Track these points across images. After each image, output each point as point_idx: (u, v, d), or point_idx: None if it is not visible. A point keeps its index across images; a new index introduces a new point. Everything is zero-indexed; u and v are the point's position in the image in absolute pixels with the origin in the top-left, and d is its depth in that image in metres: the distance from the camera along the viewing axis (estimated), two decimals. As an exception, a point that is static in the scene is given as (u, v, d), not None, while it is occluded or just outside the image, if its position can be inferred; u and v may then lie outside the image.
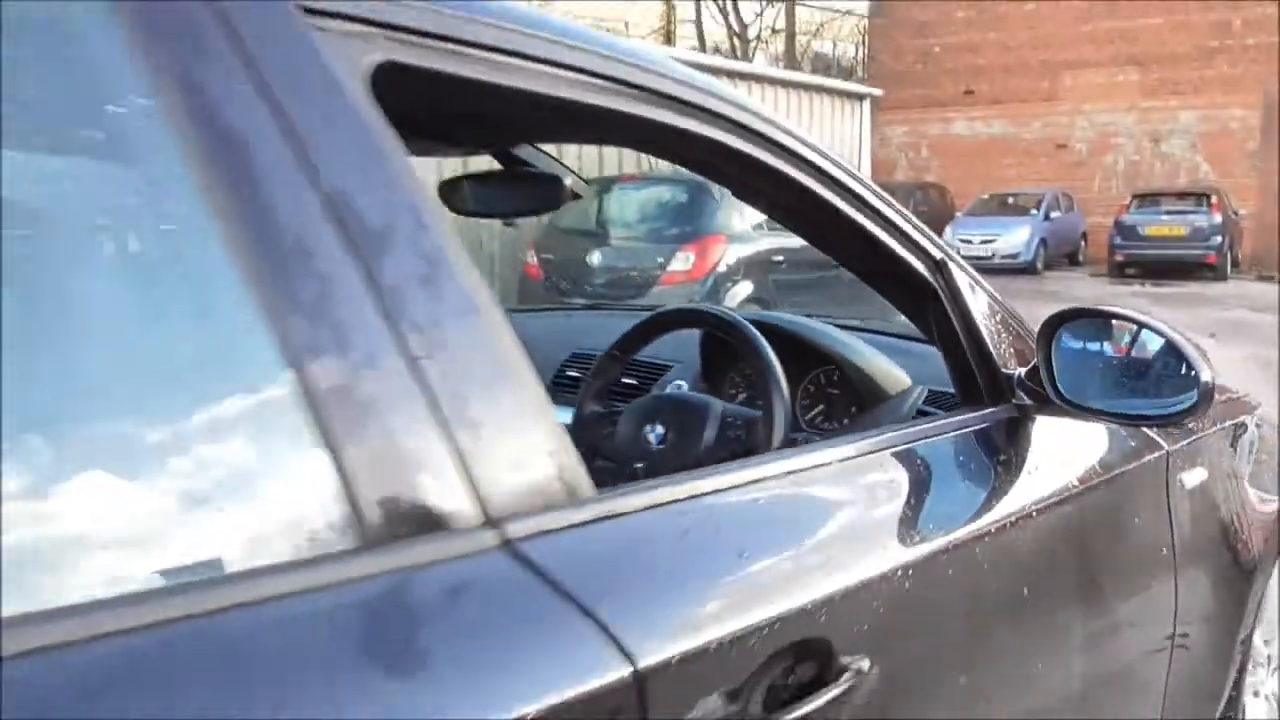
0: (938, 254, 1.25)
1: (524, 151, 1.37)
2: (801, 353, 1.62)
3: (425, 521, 0.65)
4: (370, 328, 0.66)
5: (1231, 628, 1.72)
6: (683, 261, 6.50)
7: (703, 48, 23.68)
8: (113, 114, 0.67)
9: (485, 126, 1.22)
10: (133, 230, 0.70)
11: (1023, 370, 1.28)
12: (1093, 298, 12.79)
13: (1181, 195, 16.93)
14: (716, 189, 5.92)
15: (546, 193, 1.41)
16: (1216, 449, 1.69)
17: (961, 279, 1.27)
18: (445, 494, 0.66)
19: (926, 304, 1.27)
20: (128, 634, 0.52)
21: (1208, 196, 16.29)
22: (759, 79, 10.44)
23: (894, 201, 1.21)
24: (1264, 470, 1.85)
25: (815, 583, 0.87)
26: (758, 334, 1.43)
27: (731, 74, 10.12)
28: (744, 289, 6.66)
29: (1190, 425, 1.49)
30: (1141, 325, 1.21)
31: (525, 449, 0.73)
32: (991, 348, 1.27)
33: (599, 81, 0.91)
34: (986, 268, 14.96)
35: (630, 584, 0.77)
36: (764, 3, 22.63)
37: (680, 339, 1.71)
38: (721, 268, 6.57)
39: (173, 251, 0.69)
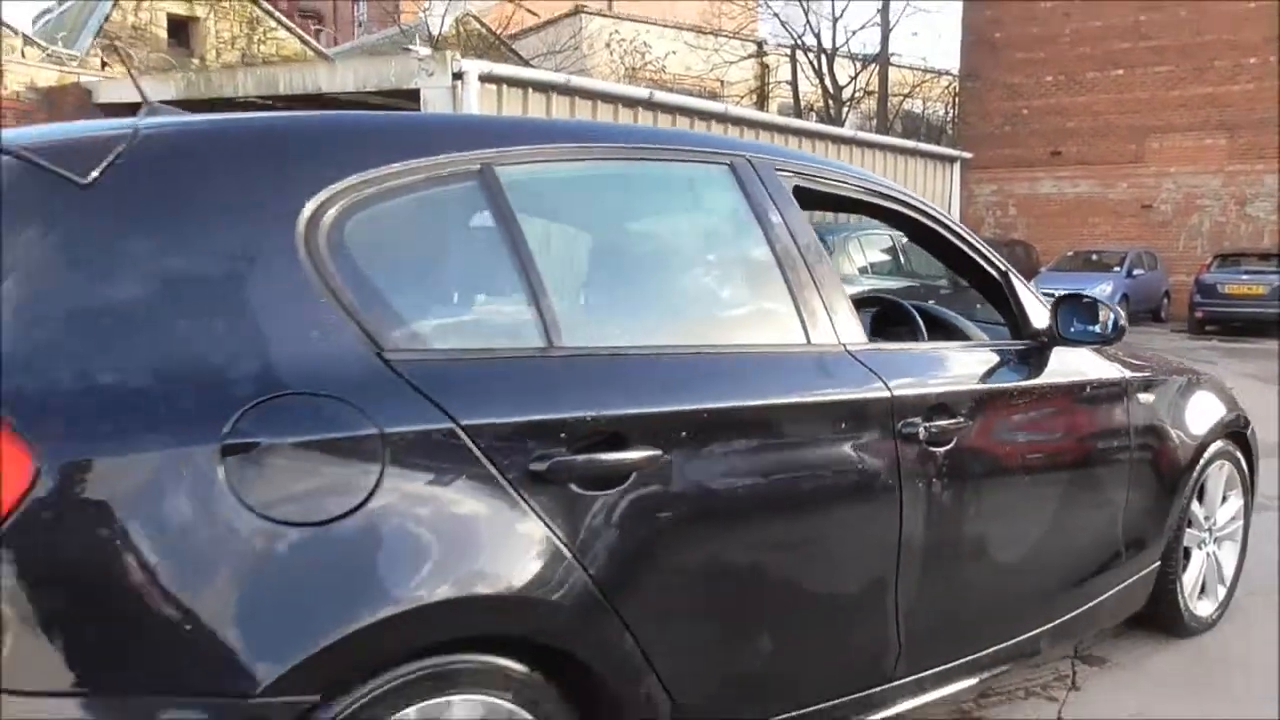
0: (1003, 267, 2.60)
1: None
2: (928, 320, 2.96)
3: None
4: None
5: (1167, 498, 2.97)
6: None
7: (797, 107, 25.09)
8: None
9: (829, 205, 2.64)
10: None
11: (1043, 324, 2.61)
12: (1168, 351, 13.74)
13: (1264, 256, 17.51)
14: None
15: None
16: (1163, 386, 2.98)
17: (1016, 282, 2.61)
18: (826, 334, 2.04)
19: (1000, 294, 2.62)
20: None
21: (1288, 257, 16.95)
22: (867, 145, 11.83)
23: (983, 244, 2.57)
24: (1202, 404, 3.13)
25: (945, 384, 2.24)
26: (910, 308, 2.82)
27: (844, 140, 11.51)
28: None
29: (1145, 365, 2.83)
30: (1096, 300, 2.54)
31: (845, 318, 2.10)
32: (1031, 314, 2.60)
33: (862, 190, 2.32)
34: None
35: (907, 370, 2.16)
36: (858, 65, 23.95)
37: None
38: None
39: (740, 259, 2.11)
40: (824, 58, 23.46)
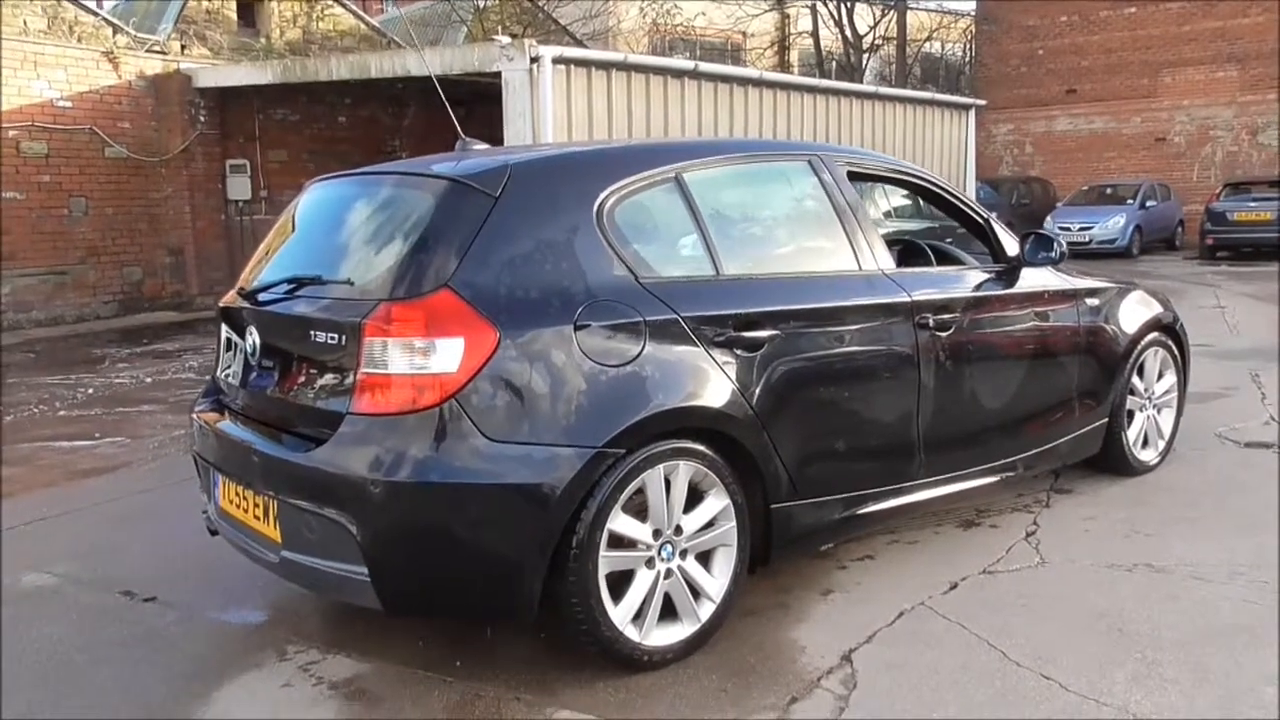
0: (985, 215, 3.83)
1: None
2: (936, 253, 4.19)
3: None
4: (838, 230, 3.31)
5: (1110, 373, 4.21)
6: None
7: (819, 55, 25.93)
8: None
9: (868, 180, 3.84)
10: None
11: (1014, 252, 3.85)
12: (1178, 275, 14.79)
13: (1272, 184, 18.14)
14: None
15: None
16: (1104, 293, 4.22)
17: (995, 224, 3.84)
18: (869, 263, 3.32)
19: (983, 232, 3.86)
20: None
21: (1296, 184, 17.74)
22: (888, 99, 12.89)
23: (970, 199, 3.80)
24: (1137, 305, 4.37)
25: (946, 293, 3.51)
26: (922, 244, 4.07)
27: (866, 95, 12.59)
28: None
29: (1091, 280, 4.08)
30: (1049, 235, 3.79)
31: (882, 253, 3.36)
32: (1006, 246, 3.84)
33: (888, 170, 3.58)
34: (1083, 252, 17.06)
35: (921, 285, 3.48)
36: (877, 13, 24.71)
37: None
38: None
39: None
40: (843, 7, 24.23)
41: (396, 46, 15.44)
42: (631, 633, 2.68)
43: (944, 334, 3.43)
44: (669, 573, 2.76)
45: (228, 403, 3.15)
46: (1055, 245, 3.83)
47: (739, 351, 2.87)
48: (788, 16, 28.29)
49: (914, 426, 3.37)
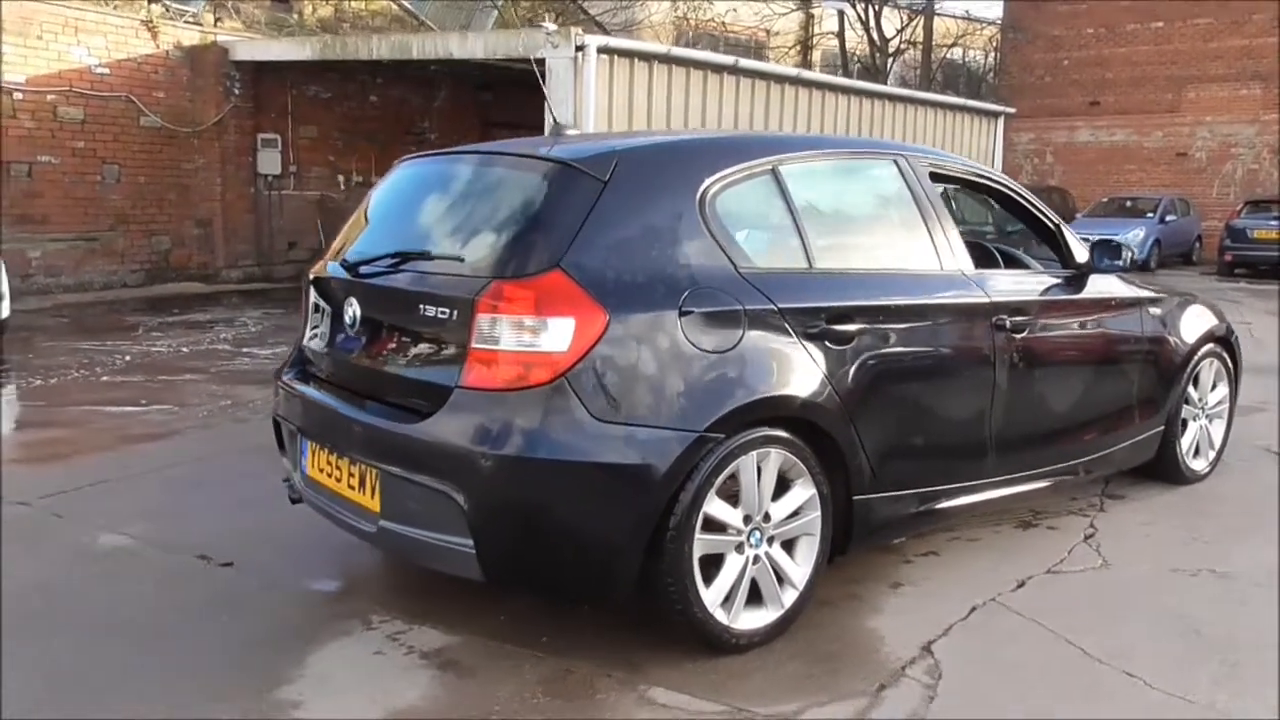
0: (1056, 220, 3.87)
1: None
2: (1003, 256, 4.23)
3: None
4: (921, 229, 3.34)
5: (1168, 381, 4.26)
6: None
7: (844, 57, 25.90)
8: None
9: (949, 183, 3.87)
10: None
11: (1083, 259, 3.88)
12: (1197, 290, 14.82)
13: (1293, 203, 18.40)
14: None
15: None
16: (1166, 303, 4.26)
17: (1065, 230, 3.88)
18: (950, 263, 3.35)
19: (1054, 238, 3.89)
20: None
21: (1317, 204, 17.77)
22: (920, 102, 12.92)
23: (1043, 205, 3.84)
24: (1196, 316, 4.42)
25: (1021, 296, 3.56)
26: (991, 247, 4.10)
27: (898, 98, 12.61)
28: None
29: (1155, 289, 4.11)
30: (1120, 244, 3.82)
31: (962, 253, 3.40)
32: (1075, 252, 3.88)
33: (968, 173, 3.62)
34: (1102, 263, 17.05)
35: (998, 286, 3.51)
36: (905, 17, 24.69)
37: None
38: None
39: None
40: (871, 9, 24.21)
41: (428, 28, 15.46)
42: (721, 615, 2.72)
43: (1019, 335, 3.47)
44: (757, 558, 2.80)
45: (318, 372, 3.18)
46: (1124, 254, 3.87)
47: (829, 344, 2.91)
48: (812, 16, 28.29)
49: (987, 425, 3.41)
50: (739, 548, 2.76)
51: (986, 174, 3.87)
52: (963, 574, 3.42)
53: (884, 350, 3.07)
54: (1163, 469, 4.42)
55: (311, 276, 3.31)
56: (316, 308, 3.23)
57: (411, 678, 2.65)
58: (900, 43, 24.77)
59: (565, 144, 3.02)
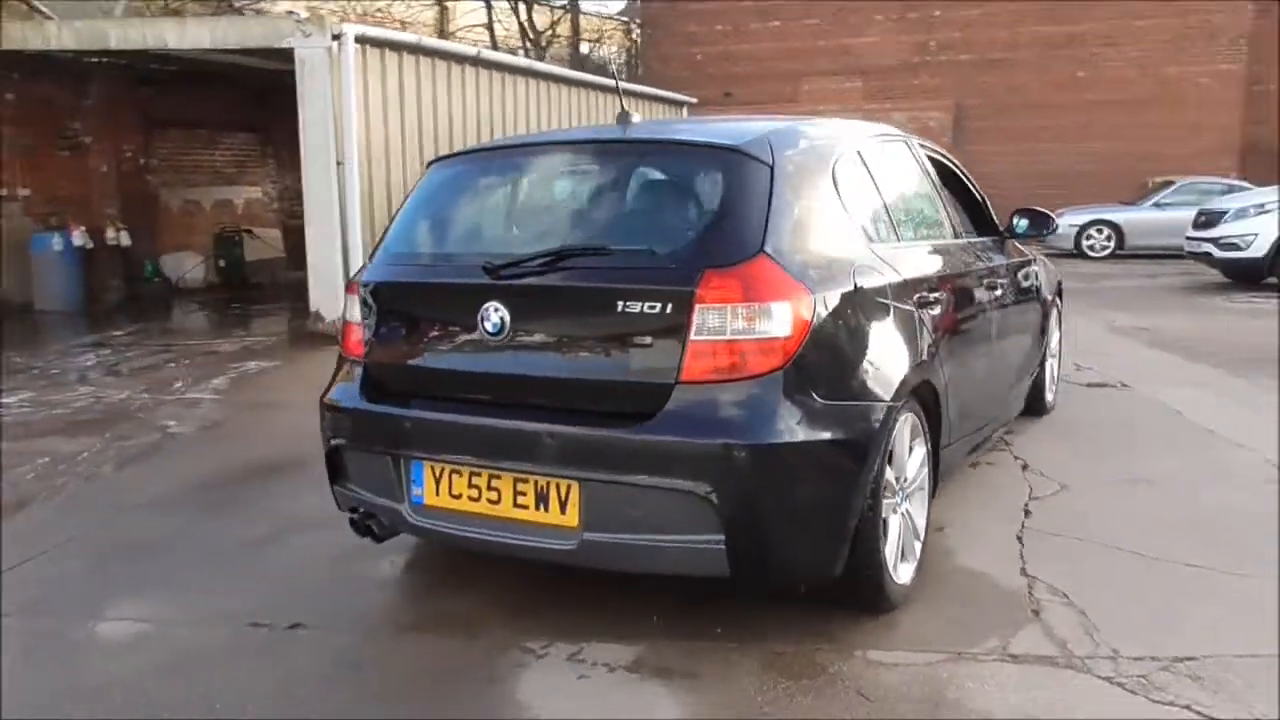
0: (982, 194, 4.40)
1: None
2: None
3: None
4: (938, 211, 3.71)
5: (1043, 328, 5.01)
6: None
7: (494, 46, 26.17)
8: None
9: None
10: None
11: (1004, 226, 4.46)
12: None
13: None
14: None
15: None
16: (1042, 263, 5.00)
17: (988, 205, 4.42)
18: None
19: (981, 213, 4.43)
20: None
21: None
22: (619, 91, 13.38)
23: (975, 183, 4.36)
24: (1050, 273, 5.22)
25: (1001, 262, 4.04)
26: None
27: (585, 85, 12.88)
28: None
29: (1036, 251, 4.80)
30: (1036, 210, 4.45)
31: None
32: (997, 222, 4.44)
33: (936, 154, 4.04)
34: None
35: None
36: (551, 12, 25.47)
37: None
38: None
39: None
40: (520, 4, 24.67)
41: (44, 15, 13.37)
42: (896, 574, 2.88)
43: (995, 294, 3.97)
44: (903, 516, 2.98)
45: (431, 389, 2.86)
46: (1046, 221, 4.49)
47: (930, 312, 3.15)
48: (446, 8, 28.23)
49: (1012, 371, 3.96)
50: (895, 507, 2.92)
51: (942, 154, 4.29)
52: (980, 512, 3.80)
53: (957, 315, 3.47)
54: (1032, 402, 5.17)
55: (370, 285, 2.96)
56: (391, 316, 2.92)
57: (644, 691, 2.52)
58: (549, 36, 25.51)
59: (711, 126, 3.09)
